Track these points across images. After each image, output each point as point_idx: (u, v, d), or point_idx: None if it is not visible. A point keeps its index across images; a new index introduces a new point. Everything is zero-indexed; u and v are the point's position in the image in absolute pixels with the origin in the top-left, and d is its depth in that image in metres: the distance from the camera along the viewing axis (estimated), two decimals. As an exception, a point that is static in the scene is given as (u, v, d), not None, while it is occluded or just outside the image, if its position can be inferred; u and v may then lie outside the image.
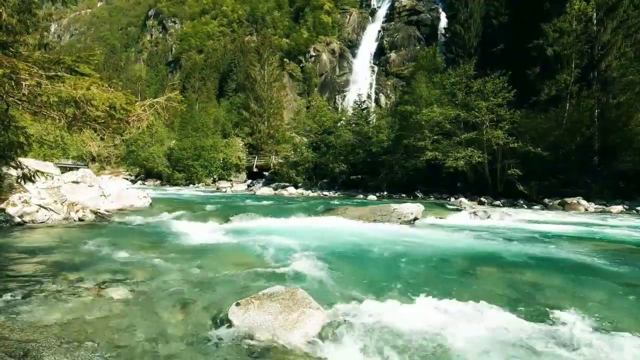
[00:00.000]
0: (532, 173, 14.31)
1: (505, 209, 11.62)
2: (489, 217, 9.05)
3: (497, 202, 14.01)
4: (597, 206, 11.96)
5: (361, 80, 54.29)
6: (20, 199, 6.87)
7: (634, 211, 11.03)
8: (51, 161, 19.58)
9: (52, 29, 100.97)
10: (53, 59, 2.93)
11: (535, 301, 3.10)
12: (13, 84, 2.74)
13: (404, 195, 17.65)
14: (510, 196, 14.47)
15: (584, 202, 12.07)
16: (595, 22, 15.38)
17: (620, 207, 11.53)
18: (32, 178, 4.18)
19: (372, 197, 17.27)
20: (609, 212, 11.12)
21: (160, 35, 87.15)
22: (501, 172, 15.10)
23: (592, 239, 6.53)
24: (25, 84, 2.69)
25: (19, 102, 3.03)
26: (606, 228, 7.73)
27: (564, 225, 8.16)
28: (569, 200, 12.28)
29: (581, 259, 4.86)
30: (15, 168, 3.97)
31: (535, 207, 12.88)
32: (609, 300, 3.25)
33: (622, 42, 14.54)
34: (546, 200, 13.16)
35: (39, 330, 2.34)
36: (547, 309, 2.90)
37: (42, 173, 4.33)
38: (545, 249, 5.53)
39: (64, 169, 17.16)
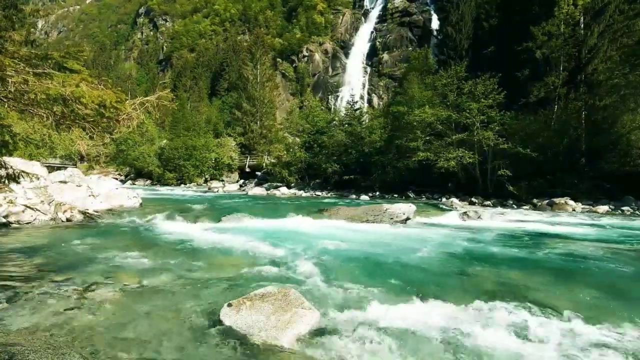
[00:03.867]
0: (522, 174, 14.54)
1: (495, 209, 11.79)
2: (479, 217, 9.17)
3: (488, 202, 14.20)
4: (584, 206, 12.21)
5: (354, 81, 54.42)
6: (5, 198, 6.70)
7: (619, 211, 11.29)
8: (38, 160, 19.18)
9: (39, 26, 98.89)
10: (41, 55, 2.86)
11: (524, 299, 3.14)
12: (-2, 80, 2.67)
13: (396, 195, 17.76)
14: (501, 196, 14.68)
15: (571, 202, 12.31)
16: (582, 26, 15.70)
17: (606, 208, 11.79)
18: (17, 178, 4.08)
19: (364, 197, 17.34)
20: (595, 212, 11.36)
21: (151, 33, 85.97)
22: (491, 172, 15.32)
23: (578, 238, 6.66)
24: (11, 81, 2.62)
25: (5, 100, 2.96)
26: (591, 228, 7.90)
27: (551, 225, 8.31)
28: (556, 200, 12.52)
29: (567, 258, 4.96)
30: (0, 168, 3.87)
31: (524, 207, 13.09)
32: (594, 298, 3.32)
33: (608, 46, 14.87)
34: (535, 201, 13.39)
35: (25, 333, 2.28)
36: (535, 306, 2.94)
37: (28, 174, 4.23)
38: (533, 248, 5.62)
39: (52, 169, 16.82)
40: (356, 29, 60.50)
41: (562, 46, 15.55)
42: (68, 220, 7.27)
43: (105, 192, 9.49)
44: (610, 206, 11.99)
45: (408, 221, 8.36)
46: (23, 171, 4.08)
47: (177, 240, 5.71)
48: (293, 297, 2.70)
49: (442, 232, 7.14)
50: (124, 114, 3.08)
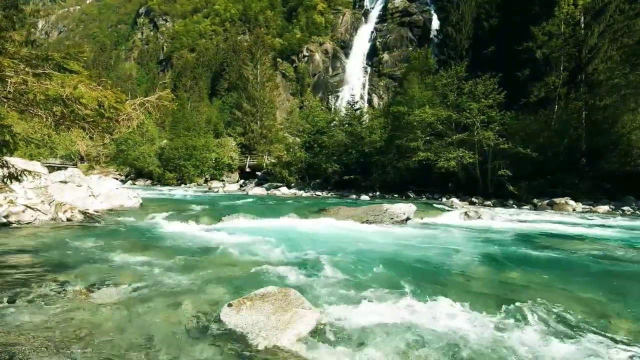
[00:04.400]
0: (522, 174, 14.54)
1: (495, 209, 11.79)
2: (479, 217, 9.16)
3: (488, 202, 14.19)
4: (584, 206, 12.20)
5: (354, 81, 54.44)
6: (5, 198, 6.71)
7: (619, 211, 11.29)
8: (38, 160, 19.20)
9: (40, 26, 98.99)
10: (41, 56, 2.86)
11: (523, 299, 3.14)
12: (-3, 81, 2.67)
13: (396, 195, 17.76)
14: (501, 196, 14.68)
15: (571, 202, 12.31)
16: (582, 25, 15.69)
17: (606, 208, 11.78)
18: (19, 177, 4.08)
19: (364, 197, 17.33)
20: (596, 212, 11.35)
21: (151, 33, 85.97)
22: (492, 172, 15.31)
23: (579, 238, 6.66)
24: (10, 82, 2.63)
25: (5, 100, 2.96)
26: (592, 228, 7.89)
27: (552, 224, 8.31)
28: (557, 200, 12.51)
29: (568, 257, 4.95)
30: (1, 167, 3.87)
31: (524, 207, 13.09)
32: (594, 298, 3.31)
33: (608, 45, 14.86)
34: (535, 201, 13.38)
35: (25, 333, 2.28)
36: (535, 307, 2.94)
37: (30, 172, 4.23)
38: (533, 248, 5.62)
39: (52, 169, 16.83)
40: (356, 29, 60.49)
41: (563, 46, 15.55)
42: (68, 220, 7.27)
43: (105, 192, 9.50)
44: (611, 206, 11.99)
45: (408, 221, 8.36)
46: (25, 170, 4.08)
47: (177, 241, 5.72)
48: (293, 297, 2.69)
49: (442, 232, 7.14)
50: (124, 114, 3.08)
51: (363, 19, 61.55)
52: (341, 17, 61.74)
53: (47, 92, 2.66)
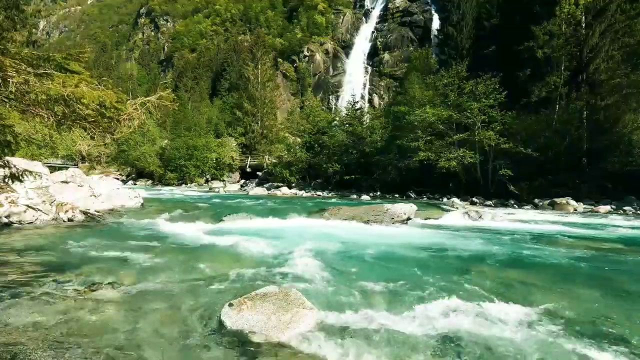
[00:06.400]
0: (523, 173, 14.51)
1: (496, 210, 11.77)
2: (480, 217, 9.15)
3: (489, 202, 14.17)
4: (585, 206, 12.18)
5: (355, 81, 54.39)
6: (7, 198, 6.72)
7: (620, 211, 11.26)
8: (39, 160, 19.20)
9: (41, 26, 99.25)
10: (42, 56, 2.87)
11: (525, 299, 3.13)
12: (0, 81, 2.68)
13: (397, 195, 17.75)
14: (502, 196, 14.65)
15: (573, 202, 12.28)
16: (583, 25, 15.67)
17: (607, 207, 11.75)
18: (20, 177, 4.09)
19: (365, 197, 17.33)
20: (597, 212, 11.32)
21: (152, 33, 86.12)
22: (493, 172, 15.29)
23: (580, 238, 6.64)
24: (12, 82, 2.63)
25: (6, 100, 2.97)
26: (593, 228, 7.88)
27: (553, 225, 8.29)
28: (558, 200, 12.48)
29: (569, 257, 4.94)
30: (3, 167, 3.88)
31: (525, 207, 13.06)
32: (594, 298, 3.31)
33: (609, 45, 14.83)
34: (536, 201, 13.36)
35: (27, 332, 2.29)
36: (535, 306, 2.94)
37: (31, 172, 4.24)
38: (534, 248, 5.61)
39: (53, 169, 16.86)
40: (357, 29, 60.45)
41: (564, 46, 15.53)
42: (70, 220, 7.28)
43: (106, 192, 9.51)
44: (612, 206, 11.96)
45: (409, 221, 8.35)
46: (26, 170, 4.09)
47: (178, 241, 5.72)
48: (294, 296, 2.70)
49: (442, 232, 7.13)
50: (125, 114, 3.09)
51: (364, 18, 61.51)
52: (342, 17, 61.73)
53: (49, 92, 2.67)
